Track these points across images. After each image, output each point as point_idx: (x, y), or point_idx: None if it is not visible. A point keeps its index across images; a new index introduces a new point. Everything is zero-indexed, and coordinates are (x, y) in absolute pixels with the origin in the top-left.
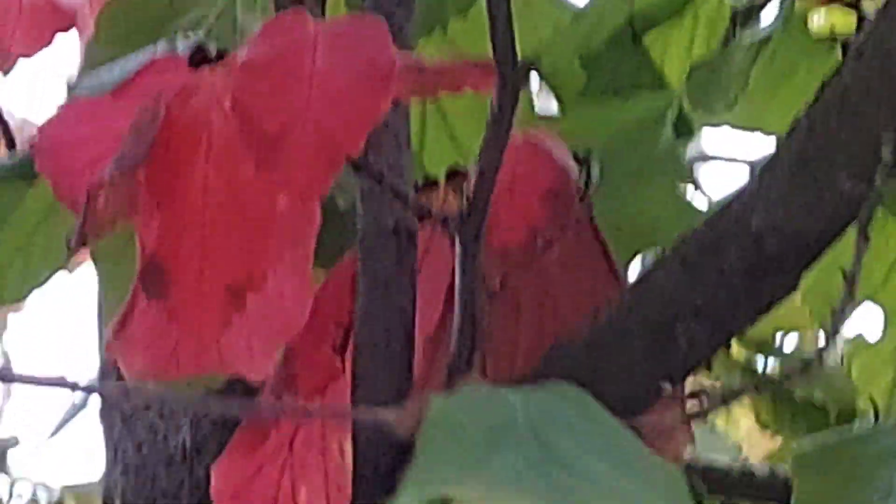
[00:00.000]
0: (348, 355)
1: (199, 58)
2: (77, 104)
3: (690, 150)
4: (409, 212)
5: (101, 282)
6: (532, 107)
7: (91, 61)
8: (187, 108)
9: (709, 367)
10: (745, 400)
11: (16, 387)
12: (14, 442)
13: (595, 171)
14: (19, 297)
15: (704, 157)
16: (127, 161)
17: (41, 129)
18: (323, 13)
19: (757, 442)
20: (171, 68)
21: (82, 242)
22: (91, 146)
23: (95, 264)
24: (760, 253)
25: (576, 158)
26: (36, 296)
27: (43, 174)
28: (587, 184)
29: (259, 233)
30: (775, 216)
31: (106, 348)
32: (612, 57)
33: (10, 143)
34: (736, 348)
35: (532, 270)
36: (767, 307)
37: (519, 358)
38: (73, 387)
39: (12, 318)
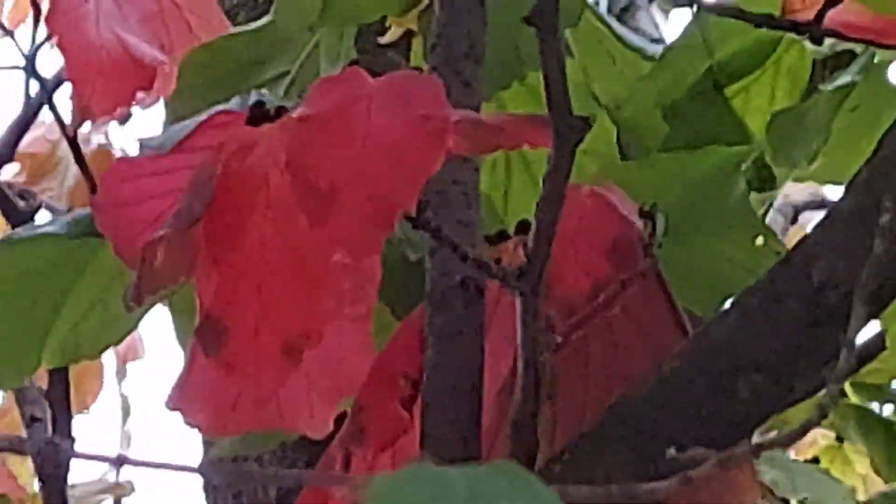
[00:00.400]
0: (417, 409)
1: (257, 114)
2: (136, 160)
3: (805, 196)
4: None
5: (177, 335)
6: (625, 154)
7: (173, 115)
8: (245, 165)
9: (824, 416)
10: (860, 446)
11: (135, 433)
12: (130, 489)
13: (661, 224)
14: (96, 354)
15: (822, 205)
16: (185, 218)
17: (100, 186)
18: (407, 63)
19: (874, 488)
20: (230, 125)
21: (139, 300)
22: (149, 203)
23: (172, 317)
24: (821, 306)
25: (641, 211)
26: (156, 341)
27: (102, 231)
28: (652, 236)
29: (315, 289)
30: (836, 269)
31: (167, 402)
32: (694, 108)
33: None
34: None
35: (598, 323)
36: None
37: (587, 410)
38: (182, 469)
39: (132, 365)
